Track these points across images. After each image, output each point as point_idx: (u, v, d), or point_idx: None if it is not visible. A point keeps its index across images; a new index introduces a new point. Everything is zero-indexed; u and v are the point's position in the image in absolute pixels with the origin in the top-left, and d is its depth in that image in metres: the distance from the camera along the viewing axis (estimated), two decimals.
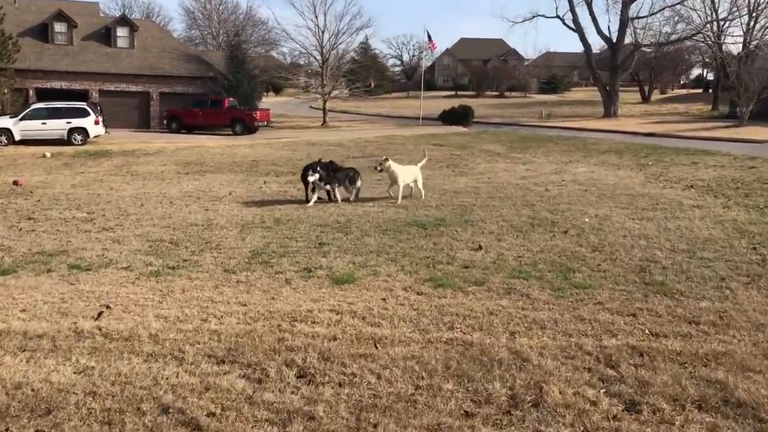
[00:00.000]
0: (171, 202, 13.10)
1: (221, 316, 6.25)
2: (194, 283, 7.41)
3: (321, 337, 5.64)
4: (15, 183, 16.41)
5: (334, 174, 13.04)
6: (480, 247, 8.81)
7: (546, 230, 9.93)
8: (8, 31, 35.31)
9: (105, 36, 41.86)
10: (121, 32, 42.00)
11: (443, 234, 9.69)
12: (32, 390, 4.60)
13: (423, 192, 13.20)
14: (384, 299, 6.73)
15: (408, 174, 13.18)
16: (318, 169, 12.59)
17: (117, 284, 7.38)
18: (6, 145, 28.72)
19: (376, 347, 5.44)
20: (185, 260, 8.42)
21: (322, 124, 44.91)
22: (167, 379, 4.82)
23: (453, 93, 79.42)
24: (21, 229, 10.58)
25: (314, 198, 12.80)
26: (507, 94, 77.03)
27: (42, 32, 40.20)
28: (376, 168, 13.51)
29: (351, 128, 41.76)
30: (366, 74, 61.24)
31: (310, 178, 12.52)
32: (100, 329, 5.83)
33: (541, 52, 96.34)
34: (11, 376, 4.80)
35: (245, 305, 6.58)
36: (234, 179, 17.16)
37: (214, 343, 5.52)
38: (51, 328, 5.87)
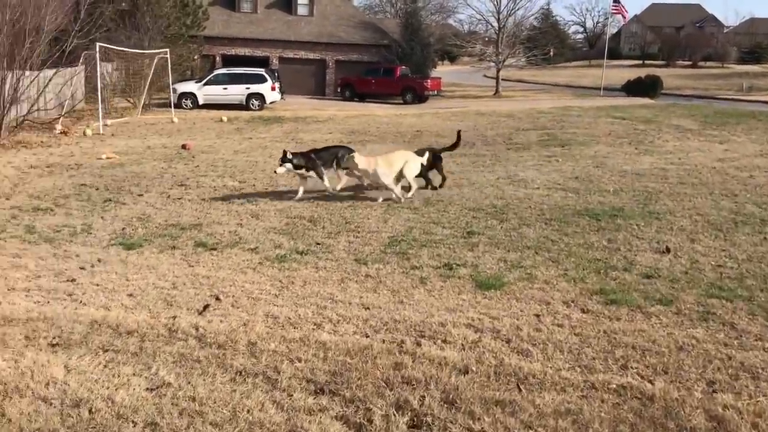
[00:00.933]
0: None
1: (337, 322, 5.17)
2: (319, 274, 6.40)
3: (450, 366, 4.37)
4: (183, 147, 16.53)
5: (317, 156, 10.45)
6: (668, 250, 7.02)
7: (754, 230, 7.88)
8: (199, 0, 36.80)
9: (287, 3, 42.52)
10: (302, 0, 42.48)
11: (620, 228, 7.97)
12: (89, 412, 3.76)
13: (411, 189, 9.90)
14: (538, 316, 5.31)
15: (388, 163, 9.75)
16: (289, 158, 10.01)
17: (237, 269, 6.54)
18: (191, 108, 29.88)
19: (520, 389, 4.08)
20: (318, 244, 7.45)
21: (495, 94, 42.91)
22: (248, 412, 3.79)
23: (640, 62, 73.43)
24: (170, 196, 10.23)
25: (300, 192, 10.13)
26: (701, 64, 70.00)
27: (230, 1, 41.60)
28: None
29: (525, 98, 39.48)
30: (545, 42, 57.86)
31: (279, 170, 10.16)
32: (197, 329, 4.96)
33: (743, 18, 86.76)
34: (76, 388, 4.02)
35: (368, 308, 5.45)
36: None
37: (317, 362, 4.43)
38: (146, 322, 5.09)
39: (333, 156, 10.56)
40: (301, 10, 42.41)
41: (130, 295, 5.79)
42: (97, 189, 10.76)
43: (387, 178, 9.52)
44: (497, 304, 5.56)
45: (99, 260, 6.82)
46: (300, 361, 4.44)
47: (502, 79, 45.23)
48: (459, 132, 12.09)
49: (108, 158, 14.49)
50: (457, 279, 6.19)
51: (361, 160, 9.58)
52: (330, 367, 4.36)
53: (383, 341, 4.78)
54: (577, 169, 12.55)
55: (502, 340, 4.83)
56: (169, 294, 5.80)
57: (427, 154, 10.63)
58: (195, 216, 8.86)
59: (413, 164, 9.94)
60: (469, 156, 14.80)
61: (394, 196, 9.60)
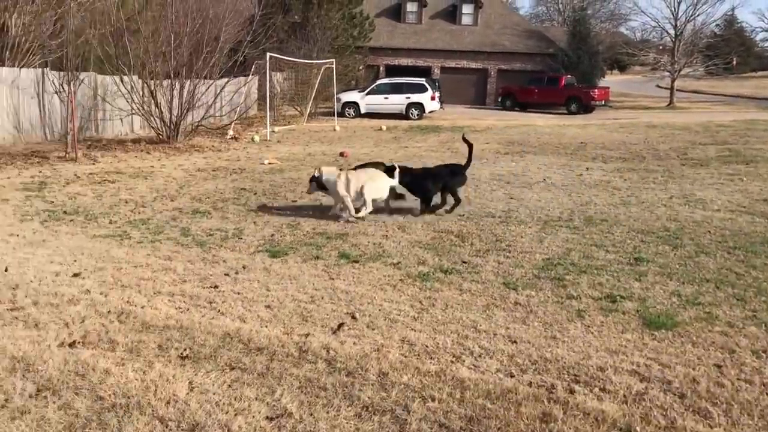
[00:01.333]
0: (476, 186, 11.75)
1: (479, 355, 4.59)
2: (463, 297, 5.86)
3: (608, 423, 3.66)
4: (341, 154, 16.64)
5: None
6: None
7: None
8: (367, 11, 37.52)
9: (451, 14, 42.36)
10: (467, 9, 42.07)
11: None
12: None
13: (367, 209, 8.99)
14: (719, 366, 4.42)
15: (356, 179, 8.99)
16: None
17: (376, 285, 6.16)
18: (353, 117, 30.44)
19: None
20: (464, 262, 6.91)
21: (668, 105, 40.07)
22: None
23: None
24: (321, 203, 10.14)
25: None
26: None
27: (395, 12, 42.09)
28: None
29: (702, 110, 36.46)
30: (727, 50, 53.35)
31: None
32: (328, 350, 4.60)
33: None
34: (195, 410, 3.77)
35: (515, 342, 4.82)
36: (554, 163, 15.24)
37: (453, 403, 3.89)
38: (278, 339, 4.81)
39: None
40: (465, 20, 42.09)
41: (268, 306, 5.57)
42: (255, 194, 10.90)
43: (342, 190, 8.87)
44: (668, 348, 4.72)
45: (244, 267, 6.72)
46: (434, 400, 3.92)
47: (677, 90, 42.26)
48: (470, 145, 10.23)
49: (270, 163, 14.84)
50: (621, 314, 5.39)
51: (327, 170, 9.24)
52: (466, 410, 3.81)
53: (530, 384, 4.15)
54: (765, 190, 11.05)
55: (674, 394, 4.03)
56: (306, 308, 5.52)
57: (396, 175, 9.34)
58: (342, 225, 8.64)
59: (378, 185, 9.06)
60: (639, 171, 13.59)
61: (345, 214, 8.96)
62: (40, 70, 18.24)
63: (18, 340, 4.73)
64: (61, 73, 16.84)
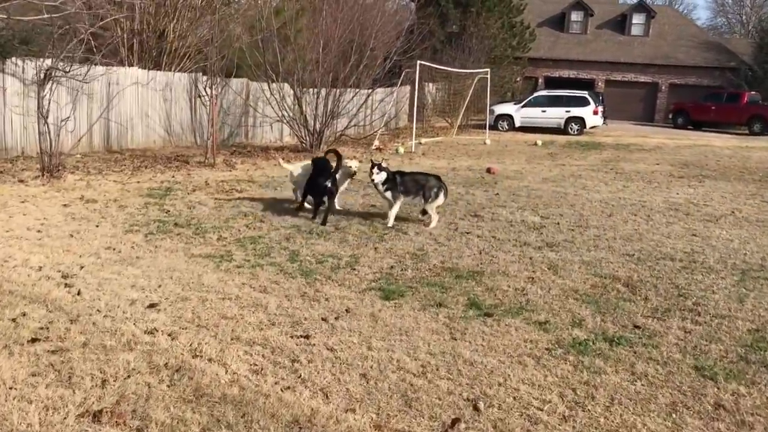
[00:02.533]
0: (648, 216, 9.71)
1: None
2: (636, 386, 4.09)
3: None
4: (488, 171, 15.00)
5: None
6: None
7: None
8: (528, 21, 35.51)
9: (619, 24, 39.29)
10: (637, 19, 38.87)
11: None
12: None
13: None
14: None
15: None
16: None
17: (513, 356, 4.53)
18: (506, 130, 28.63)
19: None
20: (636, 327, 5.10)
21: None
22: None
23: None
24: (457, 228, 8.61)
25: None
26: None
27: (559, 22, 39.70)
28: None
29: None
30: None
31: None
32: None
33: None
34: None
35: None
36: (741, 191, 12.70)
37: None
38: None
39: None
40: (635, 30, 38.88)
41: (363, 376, 4.14)
42: (385, 213, 9.61)
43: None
44: None
45: (347, 310, 5.35)
46: None
47: None
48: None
49: None
50: None
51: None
52: None
53: None
54: None
55: None
56: (413, 385, 4.03)
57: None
58: (477, 259, 7.06)
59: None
60: None
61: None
62: (193, 74, 18.22)
63: (33, 404, 3.63)
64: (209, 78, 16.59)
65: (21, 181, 10.58)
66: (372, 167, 8.65)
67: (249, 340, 4.70)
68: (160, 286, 5.82)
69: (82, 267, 6.23)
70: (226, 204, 9.77)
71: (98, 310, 5.13)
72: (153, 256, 6.77)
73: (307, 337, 4.78)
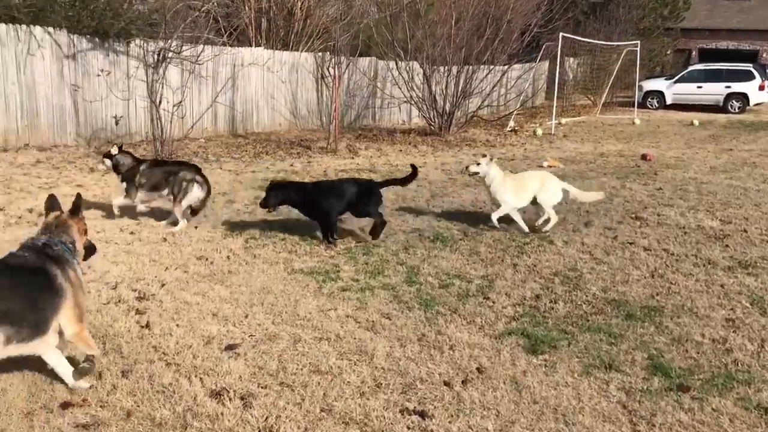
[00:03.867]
0: None
1: None
2: None
3: None
4: (643, 157, 12.87)
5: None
6: None
7: None
8: None
9: None
10: None
11: None
12: None
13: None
14: None
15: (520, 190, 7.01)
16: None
17: None
18: (656, 108, 25.70)
19: None
20: None
21: None
22: None
23: None
24: (616, 237, 6.86)
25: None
26: None
27: None
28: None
29: None
30: None
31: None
32: None
33: None
34: None
35: None
36: None
37: None
38: None
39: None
40: None
41: None
42: (525, 212, 8.01)
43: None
44: None
45: (479, 369, 3.90)
46: None
47: None
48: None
49: (550, 166, 11.76)
50: None
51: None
52: None
53: None
54: None
55: None
56: None
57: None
58: (650, 286, 5.35)
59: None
60: None
61: None
62: (320, 54, 17.22)
63: None
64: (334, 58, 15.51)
65: None
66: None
67: (344, 415, 3.38)
68: (247, 316, 4.63)
69: (163, 284, 5.18)
70: None
71: (163, 354, 4.00)
72: (248, 271, 5.62)
73: (422, 415, 3.38)
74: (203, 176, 7.03)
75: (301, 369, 3.87)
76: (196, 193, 6.89)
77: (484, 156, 7.16)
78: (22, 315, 3.22)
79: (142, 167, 7.02)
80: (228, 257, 5.98)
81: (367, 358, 4.02)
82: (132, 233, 6.62)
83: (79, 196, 3.98)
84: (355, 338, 4.30)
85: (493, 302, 4.99)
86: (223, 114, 15.05)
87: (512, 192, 7.01)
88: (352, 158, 12.47)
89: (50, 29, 11.81)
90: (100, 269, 5.47)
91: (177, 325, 4.42)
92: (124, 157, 7.15)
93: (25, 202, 7.75)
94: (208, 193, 7.09)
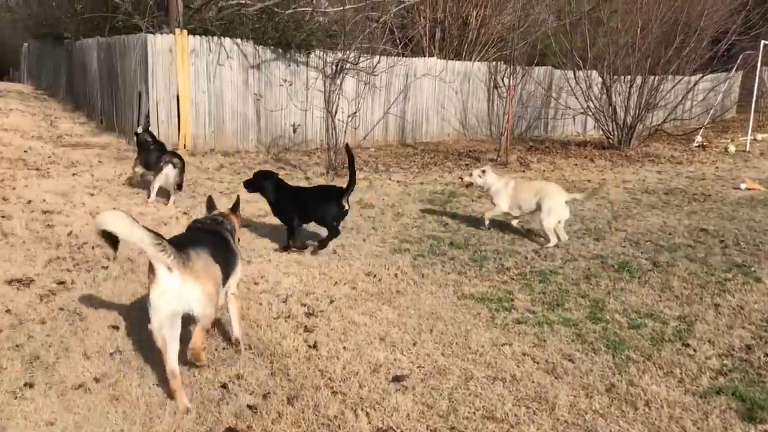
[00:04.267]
0: None
1: None
2: None
3: None
4: None
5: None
6: None
7: None
8: None
9: None
10: None
11: None
12: None
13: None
14: None
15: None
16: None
17: None
18: None
19: None
20: None
21: None
22: None
23: None
24: None
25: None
26: None
27: None
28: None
29: None
30: None
31: None
32: None
33: None
34: None
35: None
36: None
37: None
38: None
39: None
40: None
41: None
42: (721, 241, 7.07)
43: None
44: None
45: None
46: None
47: None
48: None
49: (748, 189, 10.47)
50: None
51: None
52: None
53: None
54: None
55: None
56: None
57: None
58: None
59: None
60: None
61: None
62: (493, 64, 16.79)
63: None
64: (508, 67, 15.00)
65: (307, 177, 10.11)
66: None
67: None
68: (415, 343, 4.35)
69: (332, 301, 5.04)
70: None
71: (330, 380, 3.80)
72: (416, 292, 5.36)
73: None
74: None
75: (474, 413, 3.50)
76: None
77: (484, 171, 7.33)
78: (225, 265, 3.73)
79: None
80: (396, 275, 5.76)
81: (548, 408, 3.57)
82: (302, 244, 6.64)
83: (238, 197, 4.68)
84: (533, 381, 3.86)
85: (694, 350, 4.32)
86: (393, 123, 15.10)
87: (507, 199, 7.16)
88: (524, 171, 11.91)
89: (238, 41, 12.44)
90: (272, 279, 5.47)
91: (344, 348, 4.23)
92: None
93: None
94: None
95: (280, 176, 6.70)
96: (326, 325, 4.59)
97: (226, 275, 3.76)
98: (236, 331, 4.11)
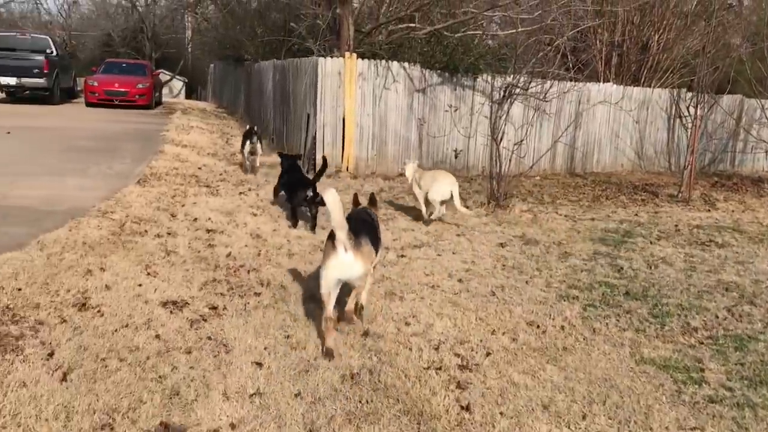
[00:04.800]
0: None
1: None
2: None
3: None
4: None
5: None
6: None
7: None
8: None
9: None
10: None
11: None
12: None
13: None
14: None
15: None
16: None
17: None
18: None
19: None
20: None
21: None
22: None
23: None
24: None
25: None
26: None
27: None
28: None
29: None
30: None
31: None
32: None
33: None
34: None
35: None
36: None
37: None
38: None
39: None
40: None
41: None
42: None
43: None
44: None
45: None
46: None
47: None
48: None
49: None
50: None
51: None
52: None
53: None
54: None
55: None
56: None
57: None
58: None
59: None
60: None
61: None
62: (675, 91, 15.42)
63: None
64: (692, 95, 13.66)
65: (466, 207, 9.67)
66: None
67: None
68: (584, 417, 3.73)
69: (489, 353, 4.52)
70: (696, 267, 7.08)
71: None
72: (586, 350, 4.70)
73: None
74: None
75: None
76: None
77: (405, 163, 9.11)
78: (375, 249, 4.81)
79: None
80: (562, 327, 5.12)
81: None
82: (460, 281, 6.15)
83: (373, 194, 5.63)
84: None
85: None
86: (561, 151, 14.27)
87: (418, 185, 8.53)
88: (708, 211, 10.66)
89: (405, 64, 12.32)
90: (424, 320, 5.06)
91: (501, 414, 3.71)
92: None
93: None
94: None
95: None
96: (482, 382, 4.09)
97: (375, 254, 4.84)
98: (363, 298, 4.89)
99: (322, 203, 5.49)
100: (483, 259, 6.95)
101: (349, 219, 4.55)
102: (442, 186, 8.20)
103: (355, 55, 11.90)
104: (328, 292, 4.39)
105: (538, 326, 5.12)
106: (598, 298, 5.89)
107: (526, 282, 6.26)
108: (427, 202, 8.42)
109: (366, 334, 4.67)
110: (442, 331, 4.88)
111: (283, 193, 8.31)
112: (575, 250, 7.58)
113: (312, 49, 13.22)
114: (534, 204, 10.34)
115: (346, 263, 4.31)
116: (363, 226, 4.72)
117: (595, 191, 12.14)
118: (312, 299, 5.18)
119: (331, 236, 4.34)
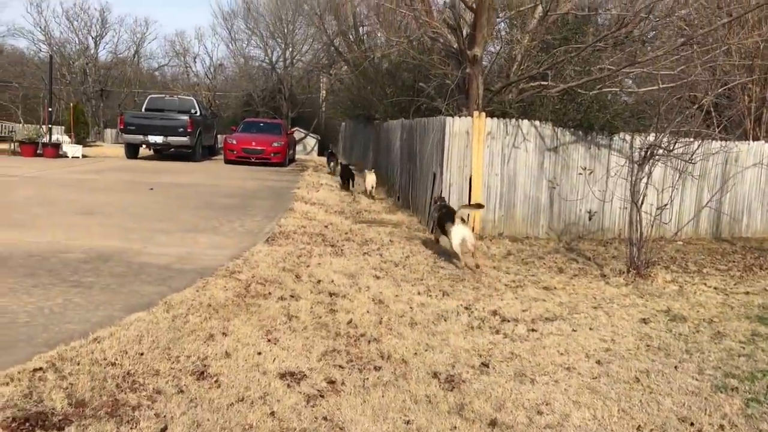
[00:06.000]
0: None
1: None
2: None
3: None
4: None
5: None
6: None
7: None
8: None
9: None
10: None
11: None
12: None
13: None
14: None
15: None
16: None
17: None
18: None
19: None
20: None
21: None
22: None
23: None
24: None
25: None
26: None
27: None
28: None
29: None
30: None
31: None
32: None
33: None
34: None
35: None
36: None
37: None
38: None
39: None
40: None
41: None
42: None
43: None
44: None
45: None
46: None
47: None
48: None
49: None
50: None
51: None
52: None
53: None
54: None
55: None
56: None
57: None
58: None
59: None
60: None
61: None
62: None
63: None
64: None
65: (603, 275, 8.94)
66: None
67: None
68: None
69: None
70: None
71: None
72: None
73: None
74: None
75: None
76: None
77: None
78: None
79: None
80: (722, 427, 4.39)
81: None
82: (599, 362, 5.54)
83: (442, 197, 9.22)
84: None
85: None
86: (706, 214, 13.13)
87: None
88: None
89: (536, 123, 11.90)
90: (559, 409, 4.51)
91: None
92: None
93: (490, 300, 7.42)
94: None
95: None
96: None
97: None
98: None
99: None
100: (624, 337, 6.27)
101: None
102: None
103: (483, 113, 11.64)
104: (457, 246, 8.64)
105: (692, 423, 4.42)
106: (762, 391, 5.07)
107: (675, 367, 5.53)
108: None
109: (494, 424, 4.21)
110: (580, 424, 4.32)
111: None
112: (730, 330, 6.70)
113: (440, 108, 13.12)
114: (678, 273, 9.43)
115: (462, 229, 8.74)
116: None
117: (746, 259, 10.96)
118: (435, 376, 4.81)
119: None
